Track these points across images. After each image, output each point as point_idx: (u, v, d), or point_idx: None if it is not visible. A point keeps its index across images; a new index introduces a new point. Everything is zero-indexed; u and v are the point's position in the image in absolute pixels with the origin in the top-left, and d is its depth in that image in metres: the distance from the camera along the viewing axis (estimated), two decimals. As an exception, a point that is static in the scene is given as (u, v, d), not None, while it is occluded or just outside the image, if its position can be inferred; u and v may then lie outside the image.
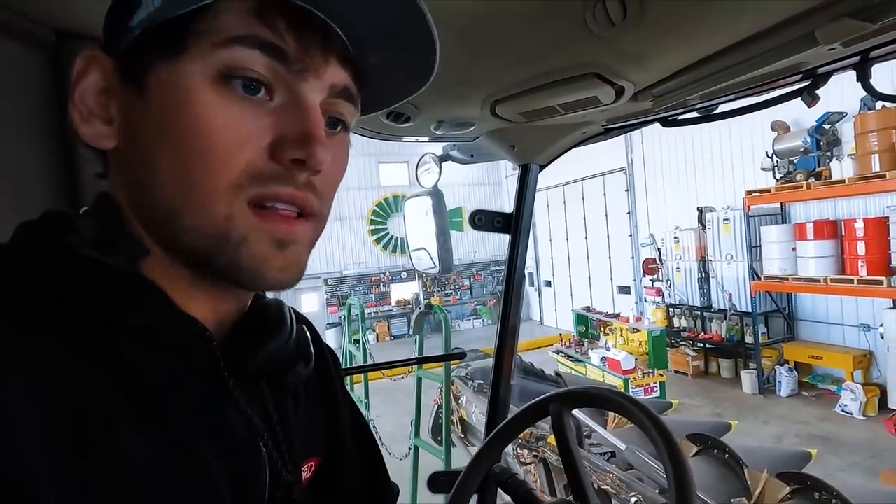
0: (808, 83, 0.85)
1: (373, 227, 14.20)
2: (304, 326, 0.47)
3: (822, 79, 0.83)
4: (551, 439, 2.27)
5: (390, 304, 14.33)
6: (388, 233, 14.20)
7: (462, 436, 3.61)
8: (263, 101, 0.35)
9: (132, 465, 0.30)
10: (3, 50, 0.63)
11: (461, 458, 3.50)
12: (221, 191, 0.34)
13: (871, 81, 0.80)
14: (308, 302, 13.77)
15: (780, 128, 6.91)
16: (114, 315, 0.33)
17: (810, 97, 0.85)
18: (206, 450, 0.35)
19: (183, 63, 0.34)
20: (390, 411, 6.12)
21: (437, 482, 1.13)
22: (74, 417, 0.29)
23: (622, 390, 6.04)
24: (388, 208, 14.01)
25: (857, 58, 0.77)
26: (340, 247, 14.03)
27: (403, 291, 14.58)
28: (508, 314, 1.15)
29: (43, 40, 0.68)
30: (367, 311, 14.04)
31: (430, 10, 0.65)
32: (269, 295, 0.46)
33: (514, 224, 1.14)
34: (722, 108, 1.04)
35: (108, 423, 0.30)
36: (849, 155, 6.14)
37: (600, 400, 0.73)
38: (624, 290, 11.16)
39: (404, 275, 14.19)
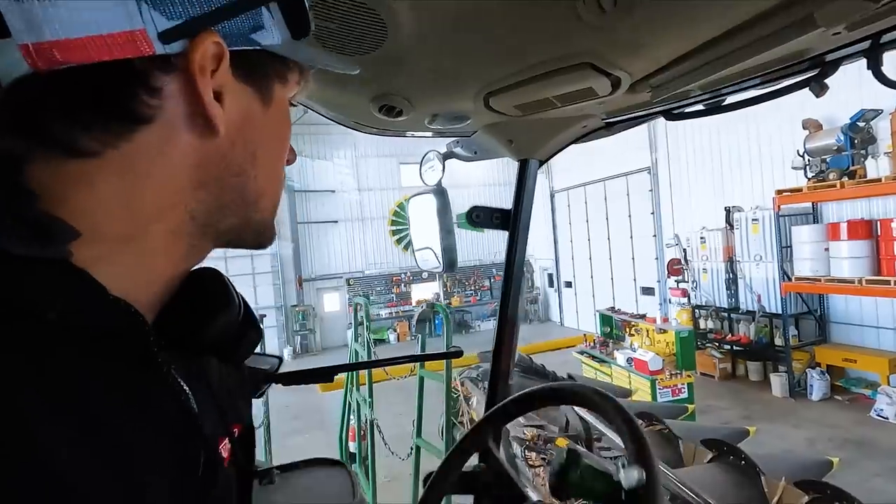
0: (816, 72, 0.81)
1: (394, 228, 14.29)
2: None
3: (831, 67, 0.79)
4: (559, 441, 2.24)
5: (411, 303, 14.39)
6: (408, 233, 14.24)
7: (471, 437, 3.59)
8: None
9: (60, 465, 0.30)
10: None
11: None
12: (282, 181, 0.49)
13: (884, 69, 0.76)
14: (330, 301, 13.94)
15: (812, 126, 6.71)
16: (37, 309, 0.32)
17: (819, 87, 0.81)
18: (138, 442, 0.35)
19: (286, 89, 0.46)
20: (399, 411, 6.12)
21: None
22: None
23: (649, 391, 5.97)
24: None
25: (868, 43, 0.73)
26: (362, 247, 14.16)
27: (424, 291, 14.63)
28: (507, 311, 1.13)
29: None
30: (388, 310, 14.19)
31: (419, 1, 0.64)
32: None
33: (513, 221, 1.12)
34: (730, 100, 1.00)
35: (34, 423, 0.29)
36: (885, 153, 5.93)
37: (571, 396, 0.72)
38: (648, 291, 10.96)
39: (425, 275, 14.22)
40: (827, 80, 0.83)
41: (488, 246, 14.71)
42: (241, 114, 0.41)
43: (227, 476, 0.45)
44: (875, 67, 0.76)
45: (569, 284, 13.98)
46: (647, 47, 0.73)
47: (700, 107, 1.03)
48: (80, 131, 0.35)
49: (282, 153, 0.47)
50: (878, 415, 5.93)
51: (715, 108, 1.02)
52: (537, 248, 14.71)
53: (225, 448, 0.45)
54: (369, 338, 4.43)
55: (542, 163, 1.14)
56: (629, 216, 11.29)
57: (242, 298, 0.49)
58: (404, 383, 4.53)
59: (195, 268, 0.46)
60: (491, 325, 14.36)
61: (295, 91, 0.48)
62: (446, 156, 1.49)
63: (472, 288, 15.00)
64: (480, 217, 1.14)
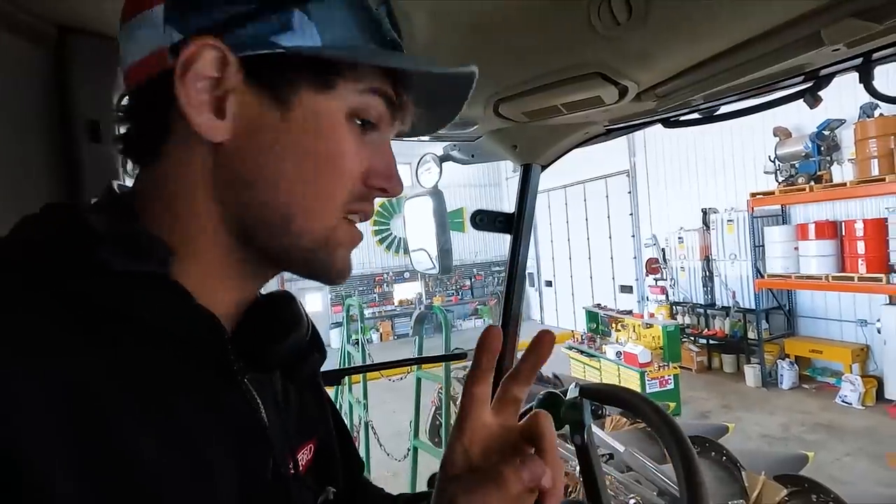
0: (810, 84, 0.85)
1: (376, 228, 14.19)
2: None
3: (825, 80, 0.83)
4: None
5: (393, 303, 14.34)
6: (391, 233, 14.21)
7: (457, 437, 3.61)
8: (364, 135, 0.43)
9: (138, 456, 0.32)
10: (5, 44, 0.63)
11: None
12: (335, 205, 0.42)
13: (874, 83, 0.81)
14: (312, 301, 13.77)
15: (782, 133, 7.08)
16: (129, 312, 0.35)
17: (813, 98, 0.85)
18: (212, 441, 0.37)
19: (330, 99, 0.40)
20: (392, 409, 6.12)
21: None
22: (83, 408, 0.30)
23: (638, 383, 6.17)
24: (392, 209, 14.01)
25: (860, 59, 0.77)
26: (343, 246, 14.01)
27: (406, 291, 14.59)
28: (510, 313, 1.15)
29: (44, 35, 0.68)
30: (370, 310, 14.08)
31: (435, 8, 0.65)
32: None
33: (516, 224, 1.14)
34: (724, 110, 1.04)
35: (117, 414, 0.32)
36: (849, 159, 6.29)
37: (617, 399, 0.75)
38: (626, 289, 11.16)
39: (407, 275, 14.20)
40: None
41: (469, 245, 14.76)
42: (250, 122, 0.39)
43: (301, 493, 0.45)
44: (867, 81, 0.80)
45: (549, 283, 14.13)
46: (657, 58, 0.75)
47: (696, 115, 1.07)
48: (135, 146, 0.41)
49: (318, 172, 0.40)
50: (843, 401, 6.34)
51: (710, 117, 1.06)
52: (518, 248, 14.80)
53: (301, 462, 0.47)
54: (363, 339, 4.42)
55: (544, 167, 1.16)
56: (608, 217, 11.48)
57: (311, 321, 0.49)
58: (397, 384, 4.54)
59: (269, 291, 0.48)
60: (472, 324, 14.43)
61: (359, 102, 0.41)
62: (443, 159, 1.50)
63: (454, 287, 15.03)
64: (484, 220, 1.16)
